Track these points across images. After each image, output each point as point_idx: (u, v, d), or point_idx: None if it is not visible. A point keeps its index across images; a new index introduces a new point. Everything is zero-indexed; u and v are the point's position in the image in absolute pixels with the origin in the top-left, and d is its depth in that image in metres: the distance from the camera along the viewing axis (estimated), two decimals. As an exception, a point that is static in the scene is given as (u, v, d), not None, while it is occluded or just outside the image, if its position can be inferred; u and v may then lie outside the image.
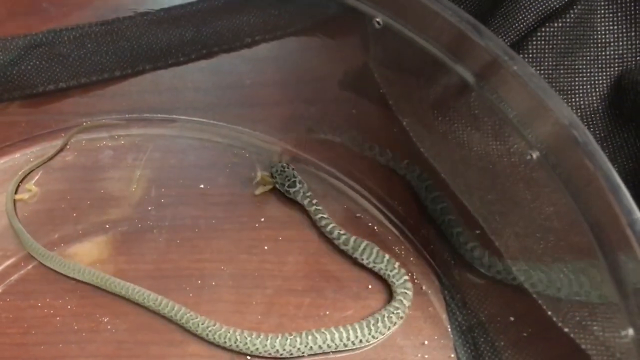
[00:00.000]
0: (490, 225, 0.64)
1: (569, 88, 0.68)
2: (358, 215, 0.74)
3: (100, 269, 0.69)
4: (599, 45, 0.68)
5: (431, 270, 0.71)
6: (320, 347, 0.64)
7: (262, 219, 0.73)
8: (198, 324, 0.64)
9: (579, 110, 0.68)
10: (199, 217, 0.74)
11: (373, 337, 0.65)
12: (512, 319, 0.63)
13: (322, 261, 0.71)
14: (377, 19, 0.60)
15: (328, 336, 0.64)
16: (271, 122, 0.79)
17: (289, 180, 0.73)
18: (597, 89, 0.68)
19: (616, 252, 0.46)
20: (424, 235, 0.72)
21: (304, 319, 0.67)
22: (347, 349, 0.65)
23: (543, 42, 0.68)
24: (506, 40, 0.70)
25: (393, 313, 0.66)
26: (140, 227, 0.73)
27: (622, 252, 0.46)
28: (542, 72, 0.68)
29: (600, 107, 0.68)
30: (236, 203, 0.75)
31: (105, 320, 0.66)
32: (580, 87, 0.68)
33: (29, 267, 0.70)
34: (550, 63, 0.68)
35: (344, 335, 0.64)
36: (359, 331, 0.64)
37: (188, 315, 0.65)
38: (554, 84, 0.67)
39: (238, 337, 0.64)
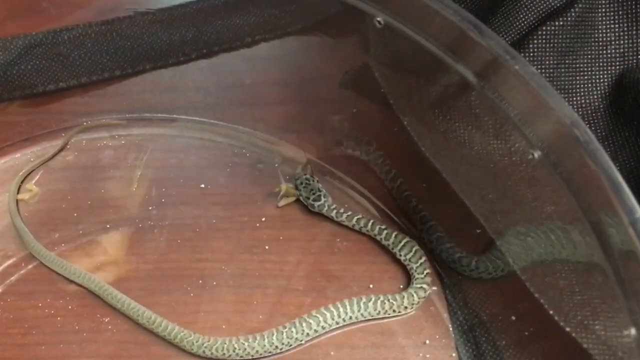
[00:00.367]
0: (491, 225, 0.64)
1: (570, 87, 0.68)
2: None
3: (100, 269, 0.69)
4: (600, 43, 0.68)
5: (433, 270, 0.70)
6: (315, 330, 0.64)
7: (263, 219, 0.73)
8: (193, 342, 0.63)
9: (580, 109, 0.67)
10: (199, 217, 0.73)
11: (362, 315, 0.66)
12: (513, 318, 0.63)
13: (324, 261, 0.70)
14: (378, 19, 0.59)
15: (320, 318, 0.64)
16: (272, 121, 0.79)
17: (313, 193, 0.73)
18: (598, 88, 0.68)
19: (619, 251, 0.46)
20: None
21: (305, 319, 0.67)
22: (339, 326, 0.65)
23: (544, 41, 0.68)
24: (507, 39, 0.70)
25: (388, 301, 0.66)
26: (141, 227, 0.73)
27: (624, 251, 0.45)
28: (543, 71, 0.68)
29: (601, 106, 0.68)
30: (237, 202, 0.74)
31: (106, 320, 0.66)
32: (582, 86, 0.68)
33: (30, 267, 0.70)
34: (551, 62, 0.68)
35: (335, 313, 0.65)
36: (348, 307, 0.65)
37: (182, 334, 0.64)
38: (555, 83, 0.67)
39: (236, 346, 0.63)
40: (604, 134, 0.67)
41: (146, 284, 0.69)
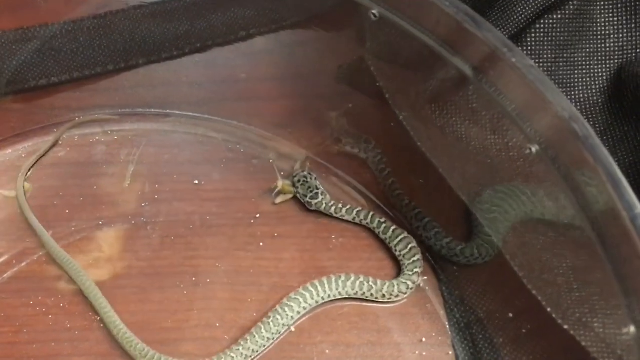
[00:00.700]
0: (491, 227, 0.63)
1: (569, 81, 0.67)
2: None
3: (94, 266, 0.69)
4: (599, 37, 0.67)
5: (429, 266, 0.70)
6: (298, 312, 0.65)
7: (258, 215, 0.73)
8: None
9: (578, 104, 0.67)
10: (193, 213, 0.73)
11: (340, 293, 0.66)
12: (511, 315, 0.63)
13: (318, 258, 0.70)
14: (374, 11, 0.59)
15: (301, 299, 0.65)
16: (267, 116, 0.78)
17: (311, 191, 0.72)
18: (596, 82, 0.67)
19: (617, 248, 0.45)
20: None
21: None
22: (320, 304, 0.66)
23: (542, 35, 0.67)
24: (505, 33, 0.69)
25: (367, 283, 0.66)
26: (134, 224, 0.72)
27: (623, 247, 0.45)
28: (541, 65, 0.67)
29: (600, 100, 0.67)
30: (231, 199, 0.74)
31: (98, 318, 0.66)
32: (580, 80, 0.67)
33: (22, 264, 0.69)
34: (549, 56, 0.67)
35: (314, 292, 0.66)
36: (327, 285, 0.66)
37: None
38: (553, 77, 0.67)
39: (233, 355, 0.63)
40: (602, 128, 0.67)
41: (139, 282, 0.68)
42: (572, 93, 0.67)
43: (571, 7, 0.67)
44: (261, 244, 0.71)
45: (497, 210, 0.62)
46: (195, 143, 0.78)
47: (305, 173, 0.73)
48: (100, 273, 0.68)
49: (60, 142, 0.77)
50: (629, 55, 0.66)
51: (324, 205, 0.72)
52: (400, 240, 0.69)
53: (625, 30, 0.66)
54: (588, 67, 0.67)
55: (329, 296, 0.66)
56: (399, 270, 0.69)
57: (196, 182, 0.75)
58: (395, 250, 0.70)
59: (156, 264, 0.69)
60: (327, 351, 0.64)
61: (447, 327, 0.66)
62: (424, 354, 0.64)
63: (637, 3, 0.65)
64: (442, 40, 0.55)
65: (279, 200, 0.73)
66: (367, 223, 0.71)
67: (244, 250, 0.70)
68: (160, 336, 0.65)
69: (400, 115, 0.67)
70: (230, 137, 0.78)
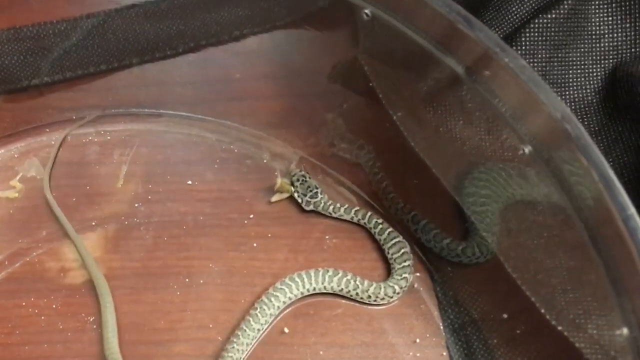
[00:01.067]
0: (482, 226, 0.63)
1: (563, 81, 0.67)
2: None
3: (85, 267, 0.68)
4: (593, 37, 0.67)
5: (423, 267, 0.70)
6: (284, 302, 0.66)
7: (251, 216, 0.72)
8: None
9: (572, 104, 0.67)
10: (186, 214, 0.72)
11: (325, 288, 0.67)
12: (505, 316, 0.63)
13: (312, 258, 0.70)
14: (366, 10, 0.58)
15: (287, 290, 0.66)
16: (260, 116, 0.78)
17: (310, 190, 0.72)
18: (591, 82, 0.67)
19: (610, 249, 0.45)
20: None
21: (293, 317, 0.66)
22: (304, 295, 0.67)
23: (536, 34, 0.67)
24: (499, 33, 0.69)
25: (353, 282, 0.66)
26: (127, 224, 0.71)
27: (616, 248, 0.45)
28: (535, 64, 0.67)
29: (594, 100, 0.67)
30: (225, 199, 0.73)
31: (91, 319, 0.65)
32: (574, 79, 0.67)
33: (15, 265, 0.69)
34: (543, 55, 0.67)
35: (300, 284, 0.66)
36: (313, 278, 0.66)
37: None
38: (547, 77, 0.67)
39: (232, 355, 0.62)
40: (597, 128, 0.66)
41: (132, 282, 0.68)
42: (567, 93, 0.67)
43: (566, 6, 0.67)
44: (255, 244, 0.70)
45: (485, 202, 0.62)
46: (189, 143, 0.77)
47: (303, 172, 0.73)
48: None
49: (53, 142, 0.77)
50: (624, 55, 0.66)
51: (322, 204, 0.72)
52: (394, 244, 0.69)
53: (619, 30, 0.66)
54: (582, 66, 0.67)
55: (314, 289, 0.66)
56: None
57: (189, 182, 0.75)
58: (388, 253, 0.70)
59: (149, 264, 0.69)
60: (321, 352, 0.64)
61: (441, 328, 0.66)
62: (418, 354, 0.64)
63: (632, 3, 0.65)
64: (435, 40, 0.55)
65: (275, 198, 0.73)
66: (364, 223, 0.71)
67: (237, 250, 0.70)
68: (153, 337, 0.65)
69: (394, 115, 0.67)
70: (223, 137, 0.78)
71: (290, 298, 0.66)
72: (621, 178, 0.46)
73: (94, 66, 0.77)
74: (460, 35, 0.52)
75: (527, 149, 0.51)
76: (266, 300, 0.65)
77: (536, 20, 0.67)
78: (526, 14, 0.69)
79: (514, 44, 0.67)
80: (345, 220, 0.72)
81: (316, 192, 0.72)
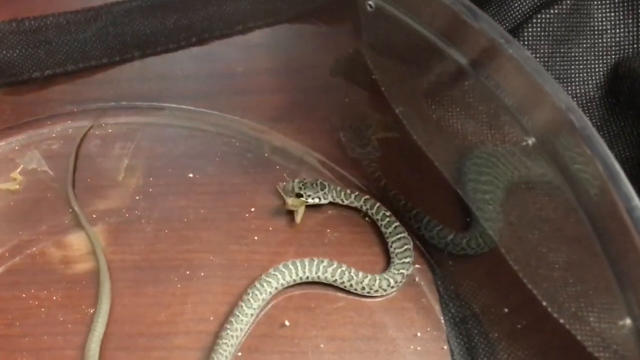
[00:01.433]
0: (484, 214, 0.63)
1: (565, 76, 0.67)
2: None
3: (87, 259, 0.68)
4: (596, 32, 0.67)
5: (424, 261, 0.70)
6: (276, 288, 0.66)
7: (252, 209, 0.72)
8: None
9: (575, 99, 0.67)
10: (187, 207, 0.72)
11: (319, 277, 0.67)
12: (506, 310, 0.63)
13: (313, 252, 0.69)
14: (370, 2, 0.58)
15: (279, 276, 0.66)
16: (262, 110, 0.78)
17: (316, 186, 0.71)
18: (593, 77, 0.67)
19: (615, 240, 0.45)
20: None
21: (294, 311, 0.66)
22: (297, 283, 0.67)
23: (539, 30, 0.67)
24: (502, 28, 0.69)
25: (348, 273, 0.66)
26: (128, 217, 0.71)
27: (620, 239, 0.45)
28: (538, 59, 0.67)
29: (596, 95, 0.67)
30: (226, 192, 0.73)
31: (92, 311, 0.65)
32: (577, 75, 0.67)
33: (15, 258, 0.69)
34: (546, 50, 0.67)
35: (294, 272, 0.66)
36: (307, 267, 0.66)
37: None
38: (550, 72, 0.67)
39: (226, 341, 0.62)
40: (599, 123, 0.66)
41: (133, 275, 0.68)
42: (569, 88, 0.67)
43: (568, 2, 0.67)
44: (256, 237, 0.70)
45: (486, 189, 0.62)
46: (190, 136, 0.77)
47: (297, 179, 0.72)
48: (93, 266, 0.68)
49: (54, 135, 0.77)
50: (626, 51, 0.66)
51: (334, 192, 0.72)
52: (399, 239, 0.69)
53: (622, 26, 0.66)
54: (585, 62, 0.67)
55: (307, 277, 0.67)
56: (392, 266, 0.69)
57: (191, 175, 0.75)
58: (391, 247, 0.69)
59: (150, 257, 0.69)
60: (322, 345, 0.64)
61: (442, 321, 0.66)
62: (419, 348, 0.64)
63: (634, -2, 0.65)
64: (439, 31, 0.55)
65: (298, 218, 0.71)
66: (372, 213, 0.71)
67: (238, 243, 0.70)
68: (154, 329, 0.64)
69: (396, 109, 0.67)
70: (225, 130, 0.78)
71: (282, 284, 0.66)
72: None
73: (96, 59, 0.77)
74: (464, 26, 0.52)
75: (531, 141, 0.51)
76: (258, 286, 0.65)
77: (539, 16, 0.67)
78: (529, 10, 0.69)
79: (516, 39, 0.67)
80: (348, 210, 0.72)
81: (322, 184, 0.72)
